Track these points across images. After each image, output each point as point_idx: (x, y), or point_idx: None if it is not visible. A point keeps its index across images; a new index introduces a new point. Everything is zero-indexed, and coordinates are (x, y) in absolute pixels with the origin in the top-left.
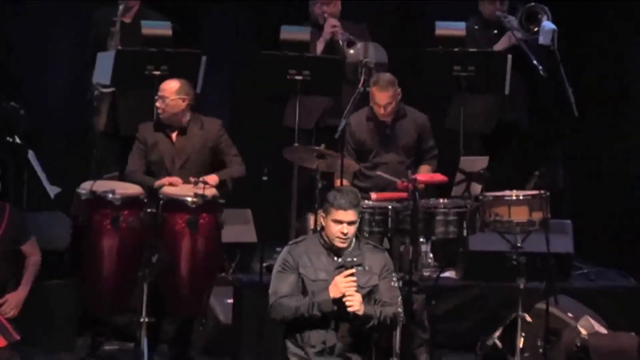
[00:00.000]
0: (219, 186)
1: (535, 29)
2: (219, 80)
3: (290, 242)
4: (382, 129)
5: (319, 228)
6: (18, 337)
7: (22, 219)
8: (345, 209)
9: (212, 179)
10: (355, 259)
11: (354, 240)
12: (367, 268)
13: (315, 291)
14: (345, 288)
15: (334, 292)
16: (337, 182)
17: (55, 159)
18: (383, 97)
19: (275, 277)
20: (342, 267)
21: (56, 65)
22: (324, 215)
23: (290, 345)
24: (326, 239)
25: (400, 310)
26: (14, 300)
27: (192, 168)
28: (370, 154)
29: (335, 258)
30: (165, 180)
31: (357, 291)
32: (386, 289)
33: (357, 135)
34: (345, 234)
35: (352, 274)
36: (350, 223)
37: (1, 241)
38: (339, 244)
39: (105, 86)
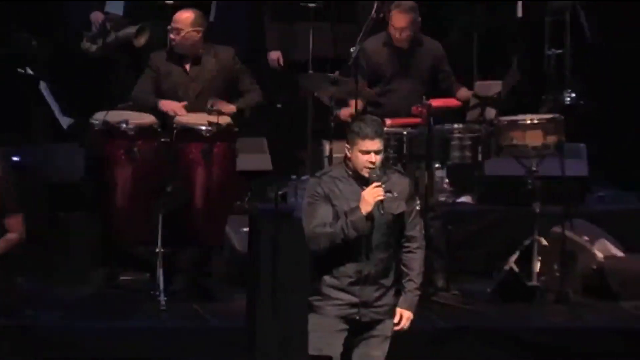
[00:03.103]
0: (237, 115)
1: None
2: (235, 8)
3: (317, 174)
4: (398, 55)
5: (342, 157)
6: None
7: (13, 190)
8: (372, 138)
9: (230, 108)
10: (384, 186)
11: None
12: (395, 194)
13: (348, 213)
14: (374, 198)
15: (365, 207)
16: (351, 103)
17: (68, 89)
18: (402, 20)
19: (307, 209)
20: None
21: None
22: (349, 146)
23: (326, 277)
24: (353, 168)
25: (423, 243)
26: None
27: (207, 97)
28: (384, 80)
29: (364, 187)
30: (168, 106)
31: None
32: (412, 216)
33: (373, 60)
34: (373, 163)
35: (378, 186)
36: (377, 152)
37: None
38: (366, 173)
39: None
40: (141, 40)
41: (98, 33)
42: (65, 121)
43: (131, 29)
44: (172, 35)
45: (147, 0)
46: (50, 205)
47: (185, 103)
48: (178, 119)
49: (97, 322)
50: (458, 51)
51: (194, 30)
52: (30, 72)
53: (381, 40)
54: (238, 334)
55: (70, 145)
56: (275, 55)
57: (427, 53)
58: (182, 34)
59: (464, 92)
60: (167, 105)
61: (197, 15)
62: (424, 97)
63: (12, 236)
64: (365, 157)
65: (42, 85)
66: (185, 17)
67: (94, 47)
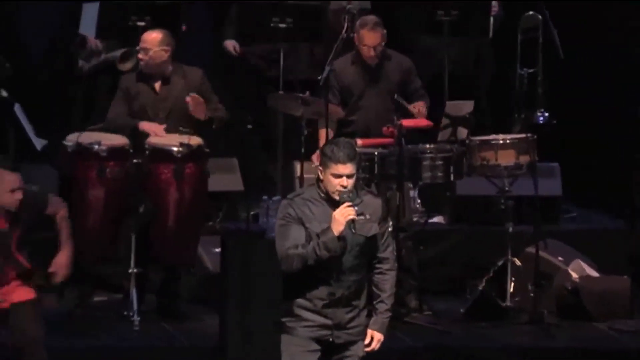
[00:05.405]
0: (204, 123)
1: None
2: (203, 30)
3: (289, 196)
4: (367, 71)
5: (315, 179)
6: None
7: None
8: (344, 163)
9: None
10: (357, 208)
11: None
12: (368, 216)
13: (320, 233)
14: (346, 217)
15: (336, 227)
16: (322, 131)
17: (41, 111)
18: (373, 37)
19: (279, 230)
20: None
21: (36, 15)
22: (321, 169)
23: (298, 299)
24: (325, 191)
25: (395, 264)
26: (60, 262)
27: (176, 117)
28: (354, 97)
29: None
30: (148, 126)
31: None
32: (384, 237)
33: (342, 79)
34: (345, 187)
35: (350, 206)
36: (349, 176)
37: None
38: (339, 197)
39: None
40: (127, 65)
41: (90, 53)
42: (39, 143)
43: (117, 52)
44: (140, 55)
45: (118, 21)
46: None
47: (164, 125)
48: (150, 139)
49: (69, 341)
50: (421, 71)
51: (161, 50)
52: (4, 94)
53: (350, 59)
54: (210, 354)
55: (43, 166)
56: (230, 45)
57: (396, 67)
58: (150, 53)
59: (419, 104)
60: (147, 126)
61: (165, 34)
62: (395, 117)
63: (61, 214)
64: (338, 181)
65: (17, 107)
66: (153, 36)
67: (87, 67)
